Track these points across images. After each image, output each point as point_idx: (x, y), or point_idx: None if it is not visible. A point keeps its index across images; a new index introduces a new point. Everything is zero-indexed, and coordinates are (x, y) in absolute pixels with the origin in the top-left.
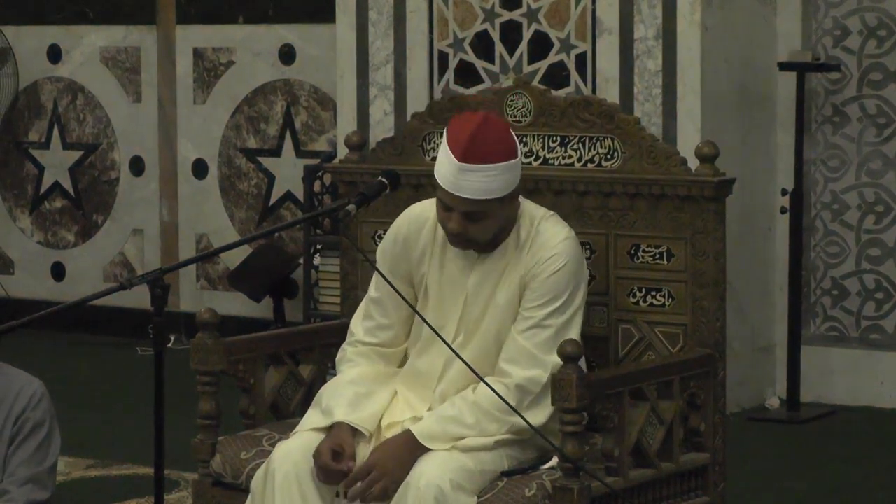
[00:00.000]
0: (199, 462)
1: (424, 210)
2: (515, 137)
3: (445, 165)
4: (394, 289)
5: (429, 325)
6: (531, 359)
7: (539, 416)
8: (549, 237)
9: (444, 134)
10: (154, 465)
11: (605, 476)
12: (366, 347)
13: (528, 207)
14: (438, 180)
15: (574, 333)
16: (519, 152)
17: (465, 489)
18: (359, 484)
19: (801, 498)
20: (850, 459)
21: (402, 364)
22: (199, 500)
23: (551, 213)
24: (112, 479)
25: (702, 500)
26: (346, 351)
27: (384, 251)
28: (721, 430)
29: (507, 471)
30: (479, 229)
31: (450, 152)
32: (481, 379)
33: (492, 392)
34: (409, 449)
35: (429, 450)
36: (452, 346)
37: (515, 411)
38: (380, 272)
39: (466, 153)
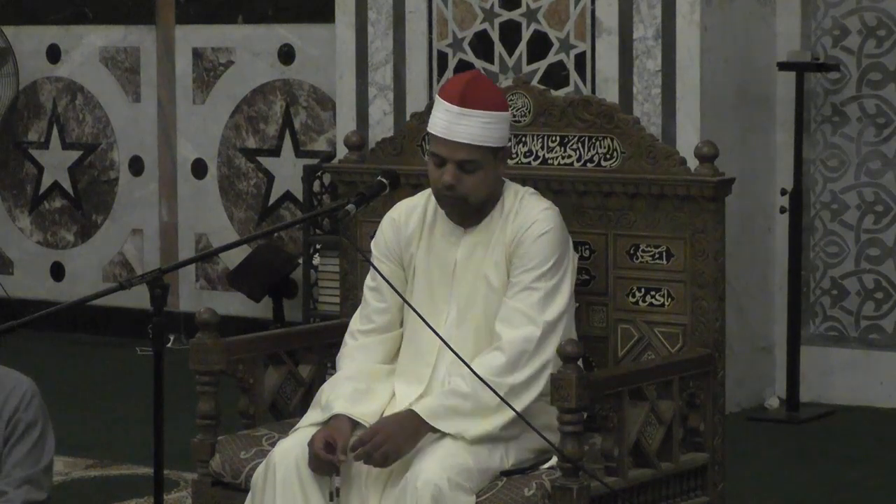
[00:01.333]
0: (198, 462)
1: (415, 199)
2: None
3: (440, 116)
4: (386, 281)
5: (417, 313)
6: (524, 317)
7: (536, 364)
8: (531, 207)
9: (437, 95)
10: (154, 465)
11: (605, 476)
12: (364, 338)
13: (513, 185)
14: (433, 132)
15: (563, 299)
16: (509, 109)
17: (463, 488)
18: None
19: (801, 498)
20: (849, 459)
21: (397, 355)
22: (198, 500)
23: (533, 189)
24: (112, 479)
25: (701, 500)
26: (347, 345)
27: (376, 238)
28: (720, 430)
29: (506, 470)
30: (472, 183)
31: (445, 102)
32: (467, 366)
33: (486, 360)
34: (412, 423)
35: (431, 429)
36: (446, 322)
37: (512, 408)
38: (374, 266)
39: (464, 98)
